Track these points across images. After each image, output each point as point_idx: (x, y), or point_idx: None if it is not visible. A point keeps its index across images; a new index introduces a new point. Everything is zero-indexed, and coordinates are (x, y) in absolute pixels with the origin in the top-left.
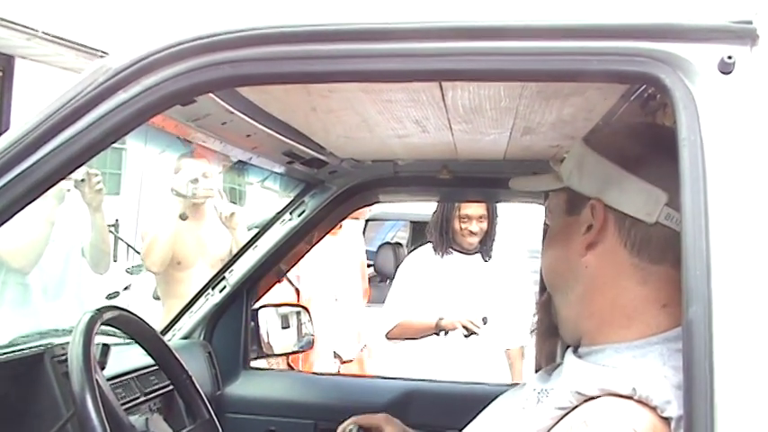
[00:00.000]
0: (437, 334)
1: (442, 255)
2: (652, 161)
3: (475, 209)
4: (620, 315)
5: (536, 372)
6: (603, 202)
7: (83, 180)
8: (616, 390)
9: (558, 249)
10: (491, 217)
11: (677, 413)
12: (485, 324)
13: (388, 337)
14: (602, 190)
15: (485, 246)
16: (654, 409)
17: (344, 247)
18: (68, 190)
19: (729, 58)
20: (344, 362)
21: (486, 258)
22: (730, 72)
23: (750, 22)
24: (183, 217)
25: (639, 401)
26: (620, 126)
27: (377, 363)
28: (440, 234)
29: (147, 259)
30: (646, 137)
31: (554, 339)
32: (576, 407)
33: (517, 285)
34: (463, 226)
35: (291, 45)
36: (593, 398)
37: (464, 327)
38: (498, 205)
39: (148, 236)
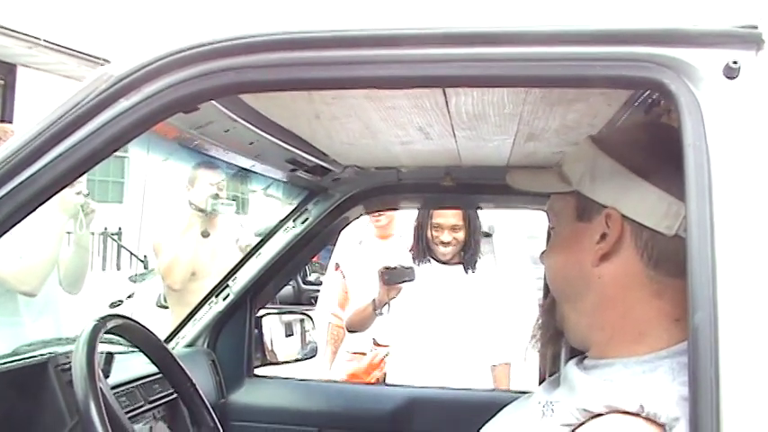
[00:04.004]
0: (380, 313)
1: (419, 263)
2: (672, 171)
3: (447, 218)
4: (632, 329)
5: (540, 382)
6: (620, 211)
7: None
8: (623, 407)
9: (569, 256)
10: (469, 227)
11: (685, 431)
12: (408, 274)
13: (348, 328)
14: (618, 199)
15: (466, 256)
16: (662, 426)
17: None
18: (82, 207)
19: (735, 63)
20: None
21: (468, 270)
22: (735, 77)
23: (755, 27)
24: (204, 234)
25: (647, 419)
26: (635, 130)
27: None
28: (416, 242)
29: (169, 278)
30: (664, 144)
31: (558, 344)
32: (583, 423)
33: (507, 299)
34: (435, 234)
35: (295, 52)
36: (599, 415)
37: (382, 274)
38: (480, 214)
39: (166, 253)
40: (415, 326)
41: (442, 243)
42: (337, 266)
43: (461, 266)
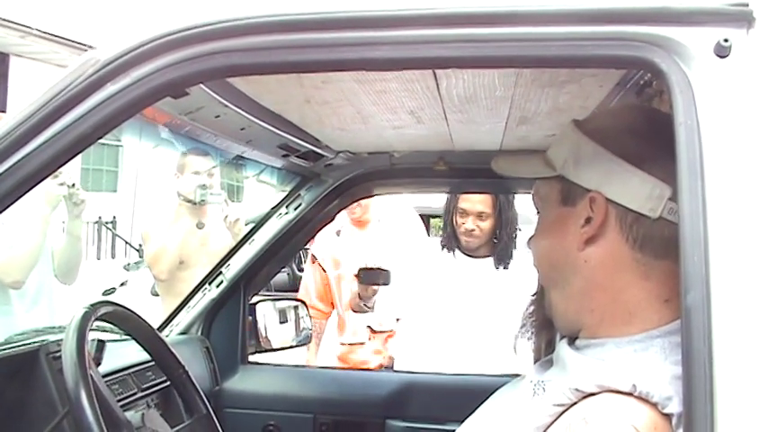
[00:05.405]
0: (369, 306)
1: (447, 252)
2: (655, 154)
3: (473, 203)
4: (621, 311)
5: (534, 363)
6: (604, 195)
7: (71, 194)
8: (616, 386)
9: (554, 241)
10: (499, 215)
11: (678, 409)
12: (384, 276)
13: (353, 309)
14: (602, 183)
15: (497, 250)
16: (654, 405)
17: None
18: (71, 197)
19: (726, 41)
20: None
21: (500, 265)
22: (727, 55)
23: (746, 5)
24: (200, 226)
25: (640, 398)
26: (617, 113)
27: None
28: (444, 229)
29: (155, 268)
30: (646, 126)
31: (551, 331)
32: (575, 403)
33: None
34: (459, 221)
35: (283, 34)
36: (592, 394)
37: (358, 273)
38: (516, 205)
39: (153, 242)
40: (429, 320)
41: (467, 231)
42: (314, 259)
43: (491, 260)
